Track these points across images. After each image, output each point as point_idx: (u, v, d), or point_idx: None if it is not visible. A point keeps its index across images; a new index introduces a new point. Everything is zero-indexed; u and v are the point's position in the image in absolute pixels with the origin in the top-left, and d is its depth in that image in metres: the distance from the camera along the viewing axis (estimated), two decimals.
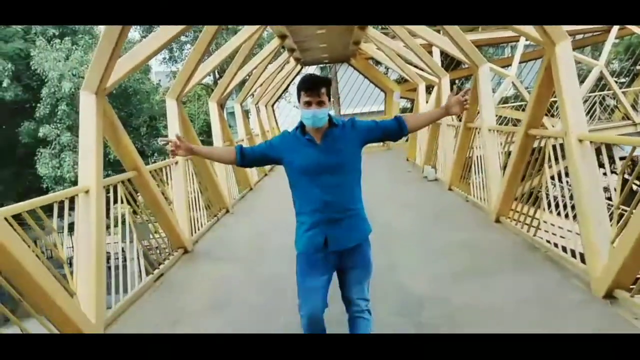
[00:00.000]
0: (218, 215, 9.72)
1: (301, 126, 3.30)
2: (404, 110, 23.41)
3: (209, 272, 6.54)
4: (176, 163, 7.93)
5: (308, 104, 3.16)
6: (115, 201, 5.80)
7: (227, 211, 10.29)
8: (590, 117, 21.95)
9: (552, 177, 6.39)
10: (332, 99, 26.34)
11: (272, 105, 22.47)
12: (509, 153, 7.32)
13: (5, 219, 3.79)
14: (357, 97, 26.34)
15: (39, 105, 20.56)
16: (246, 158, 3.41)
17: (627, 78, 25.39)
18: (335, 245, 3.27)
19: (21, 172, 23.23)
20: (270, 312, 4.90)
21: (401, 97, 22.40)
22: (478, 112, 9.49)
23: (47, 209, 4.61)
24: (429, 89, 16.62)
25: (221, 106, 12.71)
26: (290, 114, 26.45)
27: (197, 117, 27.42)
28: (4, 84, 19.93)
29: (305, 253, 3.31)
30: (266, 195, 12.60)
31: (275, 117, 22.83)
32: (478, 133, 8.94)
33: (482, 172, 8.54)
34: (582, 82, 21.73)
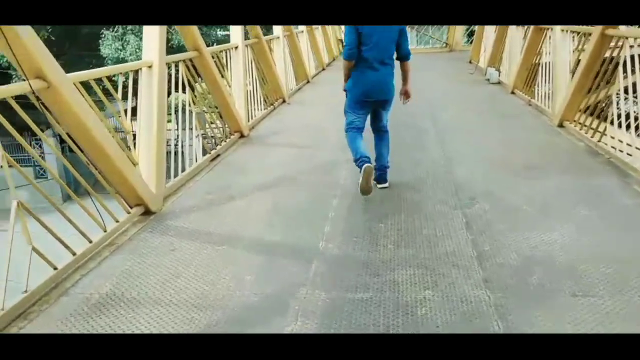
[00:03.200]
0: (275, 105, 9.76)
1: None
2: None
3: (264, 155, 6.67)
4: (236, 48, 7.90)
5: None
6: (177, 84, 5.86)
7: (284, 101, 10.30)
8: None
9: (625, 90, 6.10)
10: None
11: None
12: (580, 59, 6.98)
13: (74, 84, 3.91)
14: None
15: None
16: None
17: None
18: None
19: (84, 53, 23.69)
20: (322, 194, 4.99)
21: None
22: None
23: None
24: None
25: None
26: None
27: None
28: None
29: None
30: (322, 88, 12.50)
31: None
32: (549, 35, 8.50)
33: (549, 77, 8.19)
34: None
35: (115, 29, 21.29)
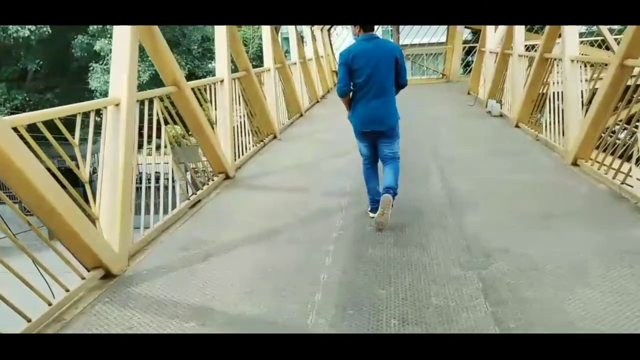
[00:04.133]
0: (265, 141, 9.13)
1: None
2: (465, 42, 21.88)
3: (250, 201, 6.01)
4: (221, 82, 7.31)
5: None
6: (151, 120, 5.26)
7: (275, 137, 9.69)
8: None
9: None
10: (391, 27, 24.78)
11: (328, 30, 21.37)
12: (595, 91, 6.42)
13: (16, 129, 3.27)
14: (416, 27, 24.70)
15: None
16: None
17: None
18: None
19: (74, 86, 23.20)
20: (314, 251, 4.33)
21: (465, 27, 20.91)
22: (557, 42, 8.47)
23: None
24: None
25: (275, 29, 11.98)
26: (347, 39, 25.09)
27: (251, 42, 26.65)
28: None
29: None
30: (316, 123, 11.94)
31: (330, 42, 21.72)
32: (557, 65, 7.95)
33: (558, 110, 7.61)
34: None
35: (105, 62, 20.79)
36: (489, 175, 6.38)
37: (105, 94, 20.61)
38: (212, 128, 6.72)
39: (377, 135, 4.87)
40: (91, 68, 21.40)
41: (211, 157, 6.57)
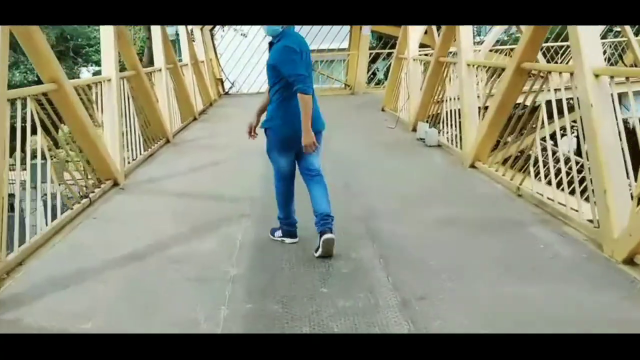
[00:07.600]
0: (92, 195, 5.64)
1: None
2: (371, 48, 19.17)
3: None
4: None
5: None
6: None
7: (116, 184, 6.21)
8: None
9: None
10: None
11: (211, 30, 17.83)
12: None
13: None
14: (313, 31, 21.55)
15: None
16: None
17: None
18: None
19: None
20: None
21: (372, 32, 18.24)
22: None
23: None
24: None
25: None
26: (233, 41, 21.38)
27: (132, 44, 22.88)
28: None
29: None
30: (190, 154, 8.48)
31: (214, 45, 18.17)
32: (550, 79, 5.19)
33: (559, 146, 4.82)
34: None
35: None
36: (469, 281, 3.38)
37: None
38: None
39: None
40: None
41: None
